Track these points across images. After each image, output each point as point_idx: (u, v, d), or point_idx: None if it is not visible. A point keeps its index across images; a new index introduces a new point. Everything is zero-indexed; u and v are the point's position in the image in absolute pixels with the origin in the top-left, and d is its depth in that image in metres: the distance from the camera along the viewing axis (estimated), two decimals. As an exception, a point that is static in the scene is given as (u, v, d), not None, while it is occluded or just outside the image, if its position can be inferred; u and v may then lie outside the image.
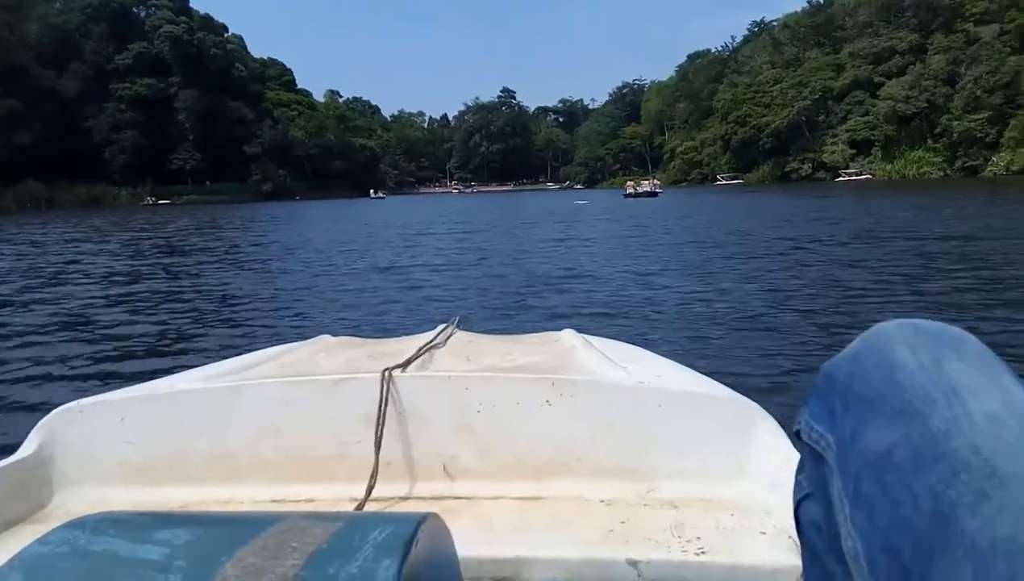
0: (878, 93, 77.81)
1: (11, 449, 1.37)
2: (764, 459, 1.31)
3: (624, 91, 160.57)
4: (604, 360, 1.59)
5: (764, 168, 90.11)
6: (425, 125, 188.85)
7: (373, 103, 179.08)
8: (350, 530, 0.64)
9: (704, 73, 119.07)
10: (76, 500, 1.37)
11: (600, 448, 1.36)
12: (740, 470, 1.33)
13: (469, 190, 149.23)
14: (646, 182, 63.47)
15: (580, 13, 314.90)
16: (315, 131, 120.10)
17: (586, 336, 1.97)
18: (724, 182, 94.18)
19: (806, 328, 6.29)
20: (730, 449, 1.35)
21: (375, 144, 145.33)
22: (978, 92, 64.38)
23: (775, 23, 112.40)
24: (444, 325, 2.03)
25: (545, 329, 2.33)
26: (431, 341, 1.78)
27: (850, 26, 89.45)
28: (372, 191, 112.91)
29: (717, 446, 1.35)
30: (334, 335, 2.14)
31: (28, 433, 1.41)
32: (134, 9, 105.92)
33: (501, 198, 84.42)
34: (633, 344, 2.17)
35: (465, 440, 1.38)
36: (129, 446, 1.40)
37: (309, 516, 0.68)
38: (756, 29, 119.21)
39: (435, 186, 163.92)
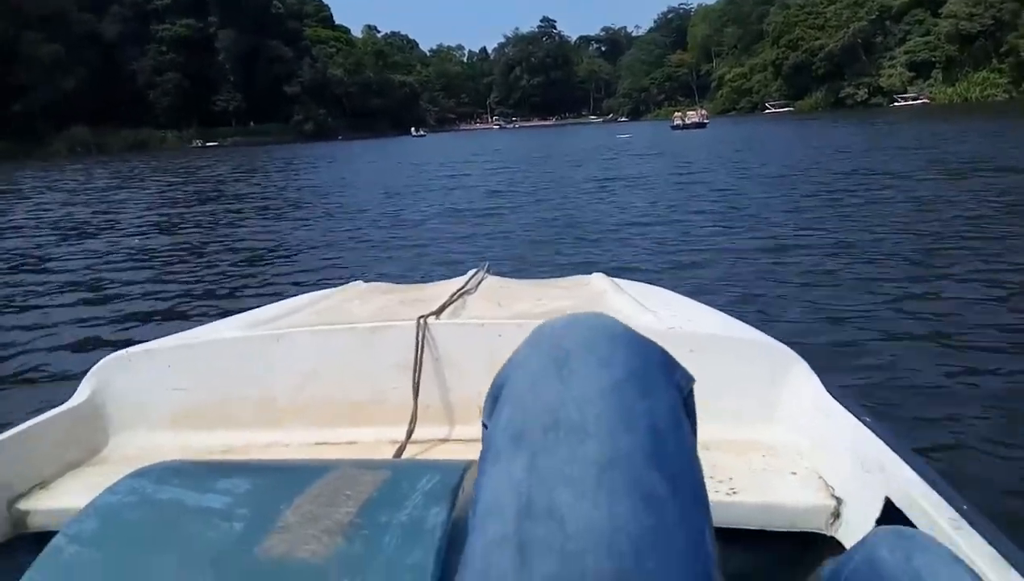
0: (940, 11, 73.29)
1: (64, 397, 1.42)
2: (796, 402, 1.33)
3: (670, 16, 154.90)
4: (634, 304, 1.62)
5: (817, 94, 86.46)
6: (464, 59, 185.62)
7: (411, 37, 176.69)
8: (399, 478, 0.66)
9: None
10: (128, 444, 1.42)
11: None
12: (772, 413, 1.35)
13: (511, 125, 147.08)
14: (693, 113, 61.39)
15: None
16: (354, 68, 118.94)
17: (616, 280, 1.98)
18: (773, 110, 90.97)
19: (868, 280, 5.72)
20: (762, 392, 1.36)
21: (414, 80, 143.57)
22: (1051, 7, 60.31)
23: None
24: (475, 270, 2.05)
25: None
26: (463, 287, 1.81)
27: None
28: (413, 129, 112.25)
29: (749, 389, 1.36)
30: (366, 282, 2.16)
31: (80, 381, 1.46)
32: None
33: (542, 133, 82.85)
34: (662, 287, 2.16)
35: None
36: (176, 393, 1.45)
37: (359, 464, 0.70)
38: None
39: (476, 122, 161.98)
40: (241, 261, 8.37)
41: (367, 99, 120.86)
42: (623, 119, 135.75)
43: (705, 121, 57.02)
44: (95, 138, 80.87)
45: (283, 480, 0.67)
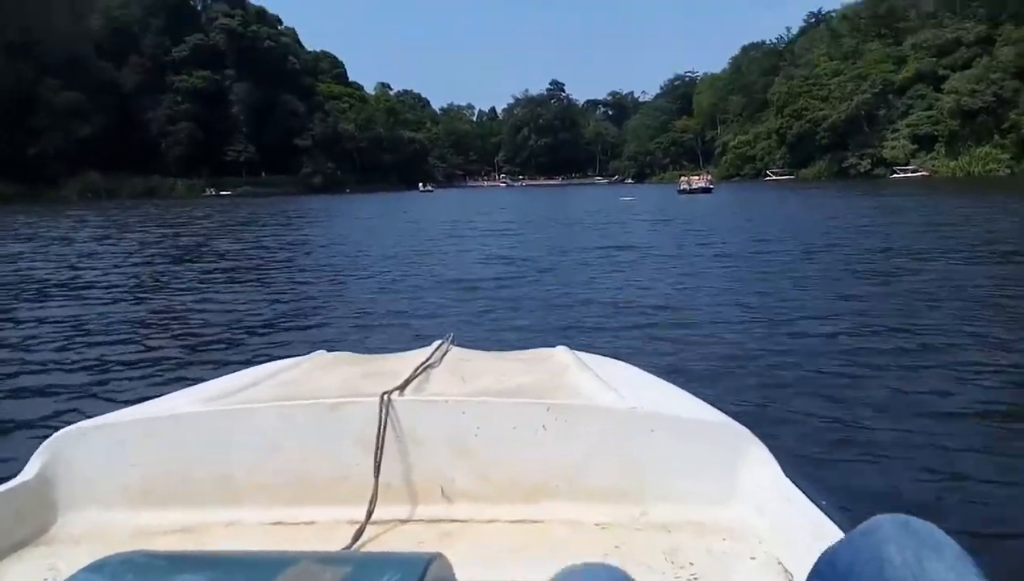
0: (942, 87, 74.76)
1: (13, 473, 1.38)
2: (755, 485, 1.35)
3: (675, 84, 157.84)
4: (597, 381, 1.62)
5: (820, 163, 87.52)
6: (474, 118, 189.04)
7: (423, 96, 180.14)
8: (360, 574, 0.65)
9: (759, 65, 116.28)
10: (79, 523, 1.37)
11: (594, 472, 1.39)
12: (731, 495, 1.36)
13: (517, 184, 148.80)
14: (698, 177, 61.95)
15: (631, 5, 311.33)
16: (365, 124, 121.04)
17: (578, 354, 1.99)
18: (774, 177, 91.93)
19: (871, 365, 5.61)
20: (721, 474, 1.38)
21: (424, 137, 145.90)
22: (1050, 86, 61.42)
23: (833, 14, 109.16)
24: (439, 342, 2.05)
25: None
26: (427, 360, 1.81)
27: (913, 17, 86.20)
28: (421, 184, 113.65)
29: (709, 471, 1.38)
30: (330, 350, 2.13)
31: (30, 455, 1.42)
32: (191, 2, 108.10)
33: (547, 192, 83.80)
34: (624, 362, 2.16)
35: (462, 464, 1.40)
36: (131, 469, 1.41)
37: (320, 558, 0.69)
38: (813, 20, 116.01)
39: (483, 179, 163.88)
40: (209, 326, 7.96)
41: (377, 154, 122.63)
42: (629, 181, 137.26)
43: (711, 186, 57.57)
44: (106, 184, 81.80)
45: (243, 574, 0.65)
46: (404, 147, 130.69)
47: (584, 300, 8.92)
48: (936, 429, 3.97)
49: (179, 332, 7.70)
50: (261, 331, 7.70)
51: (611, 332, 6.93)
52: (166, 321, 8.36)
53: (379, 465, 1.33)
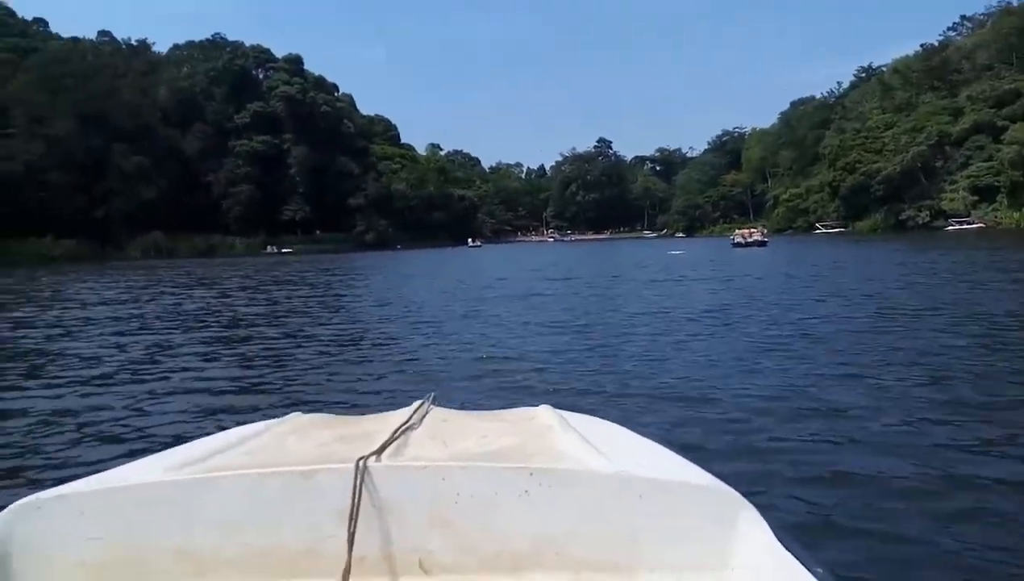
0: (1002, 137, 73.12)
1: None
2: (746, 551, 1.31)
3: (724, 139, 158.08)
4: (582, 443, 1.57)
5: (876, 216, 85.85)
6: (523, 175, 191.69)
7: (473, 155, 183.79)
8: None
9: (809, 119, 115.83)
10: None
11: (580, 540, 1.33)
12: (724, 563, 1.32)
13: (566, 238, 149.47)
14: (754, 231, 61.35)
15: (676, 62, 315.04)
16: (416, 183, 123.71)
17: (563, 413, 1.94)
18: (824, 230, 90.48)
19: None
20: (712, 540, 1.33)
21: (474, 194, 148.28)
22: (1117, 134, 59.56)
23: (884, 68, 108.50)
24: (419, 402, 1.98)
25: None
26: (406, 422, 1.74)
27: (967, 69, 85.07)
28: (470, 240, 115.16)
29: (699, 537, 1.33)
30: (305, 413, 2.04)
31: None
32: (253, 72, 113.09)
33: (596, 247, 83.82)
34: (609, 420, 2.10)
35: (441, 533, 1.34)
36: (90, 543, 1.32)
37: None
38: (863, 75, 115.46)
39: (532, 234, 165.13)
40: (190, 389, 7.68)
41: (428, 211, 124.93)
42: (680, 235, 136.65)
43: (766, 240, 56.96)
44: (168, 243, 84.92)
45: None
46: (454, 204, 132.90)
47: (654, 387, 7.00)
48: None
49: (159, 394, 7.39)
50: (246, 391, 7.44)
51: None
52: (150, 381, 8.08)
53: (353, 536, 1.25)
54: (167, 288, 26.01)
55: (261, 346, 10.83)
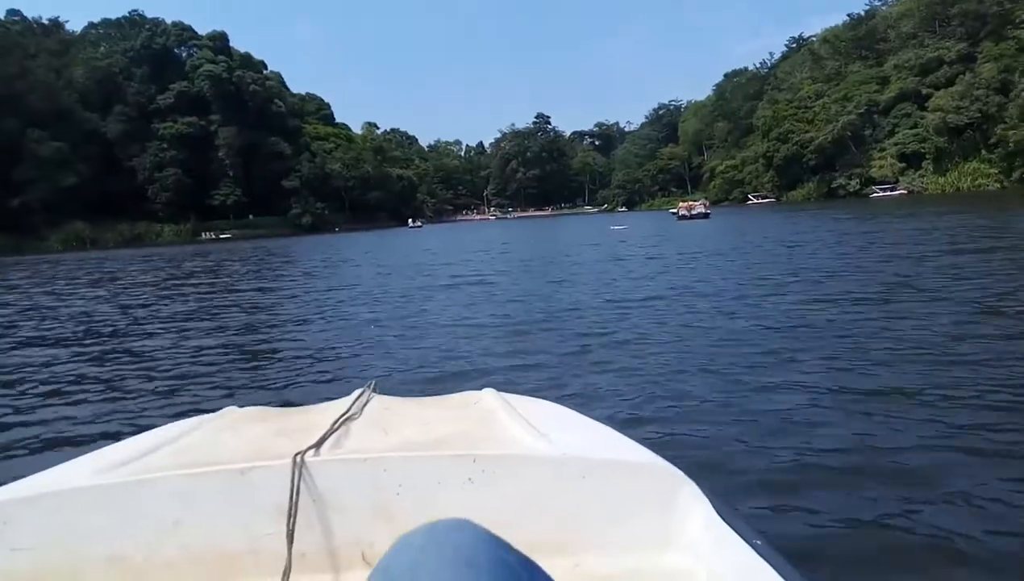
0: (927, 105, 75.09)
1: None
2: (690, 529, 1.33)
3: (660, 113, 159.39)
4: (526, 426, 1.58)
5: (809, 185, 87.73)
6: (462, 153, 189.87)
7: (411, 134, 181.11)
8: None
9: (742, 91, 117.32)
10: None
11: (525, 525, 1.33)
12: (666, 540, 1.34)
13: (507, 216, 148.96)
14: (696, 203, 61.61)
15: (613, 39, 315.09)
16: (353, 163, 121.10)
17: (506, 396, 1.95)
18: (756, 201, 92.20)
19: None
20: (655, 518, 1.35)
21: (413, 174, 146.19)
22: (1034, 100, 61.66)
23: (814, 38, 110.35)
24: (360, 390, 1.94)
25: None
26: (346, 411, 1.72)
27: (893, 38, 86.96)
28: (410, 220, 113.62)
29: (642, 516, 1.35)
30: (240, 407, 1.96)
31: None
32: (175, 50, 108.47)
33: (537, 224, 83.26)
34: (553, 402, 2.09)
35: (384, 525, 1.33)
36: (17, 554, 1.27)
37: None
38: (794, 45, 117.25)
39: (473, 213, 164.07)
40: (121, 381, 7.20)
41: (366, 192, 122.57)
42: (622, 209, 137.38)
43: (708, 212, 57.41)
44: (92, 233, 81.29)
45: None
46: (392, 184, 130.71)
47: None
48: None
49: (81, 389, 6.84)
50: (176, 384, 6.89)
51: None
52: (68, 380, 7.48)
53: (292, 533, 1.24)
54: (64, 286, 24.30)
55: (181, 342, 9.87)
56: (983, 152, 69.11)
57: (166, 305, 15.09)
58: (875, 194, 73.73)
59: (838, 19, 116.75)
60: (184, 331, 10.78)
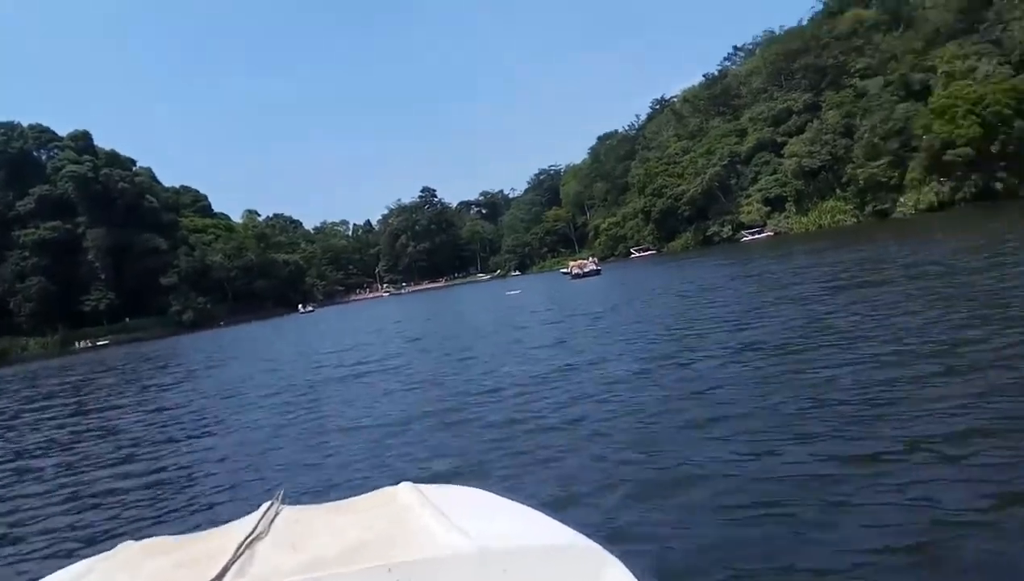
0: (782, 152, 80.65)
1: None
2: None
3: (541, 177, 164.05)
4: (444, 522, 1.54)
5: (686, 235, 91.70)
6: (349, 233, 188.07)
7: (295, 217, 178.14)
8: None
9: (615, 152, 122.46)
10: None
11: None
12: None
13: (402, 291, 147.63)
14: (587, 262, 62.84)
15: (486, 111, 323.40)
16: (234, 253, 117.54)
17: (423, 487, 1.91)
18: (638, 255, 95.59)
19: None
20: None
21: (299, 257, 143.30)
22: (875, 140, 67.00)
23: (675, 99, 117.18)
24: (267, 503, 1.84)
25: None
26: (252, 531, 1.64)
27: (745, 93, 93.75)
28: (300, 306, 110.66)
29: None
30: (137, 540, 1.83)
31: None
32: (34, 153, 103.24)
33: (432, 296, 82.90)
34: (468, 486, 2.09)
35: None
36: None
37: None
38: (658, 106, 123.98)
39: (366, 291, 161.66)
40: None
41: (250, 281, 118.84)
42: (515, 273, 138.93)
43: (599, 268, 58.62)
44: (-52, 353, 74.61)
45: None
46: (279, 270, 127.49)
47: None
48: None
49: None
50: (61, 523, 6.33)
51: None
52: None
53: None
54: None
55: (64, 477, 8.78)
56: (837, 190, 74.39)
57: (25, 435, 13.69)
58: (745, 238, 77.81)
59: (695, 79, 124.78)
60: (59, 464, 9.79)
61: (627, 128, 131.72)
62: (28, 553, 5.64)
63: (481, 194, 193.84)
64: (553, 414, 7.88)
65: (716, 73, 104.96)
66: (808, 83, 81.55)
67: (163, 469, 8.30)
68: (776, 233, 77.54)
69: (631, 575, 1.31)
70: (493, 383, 10.79)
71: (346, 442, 8.09)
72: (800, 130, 79.06)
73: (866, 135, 68.28)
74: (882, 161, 66.49)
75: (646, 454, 5.83)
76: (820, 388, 6.92)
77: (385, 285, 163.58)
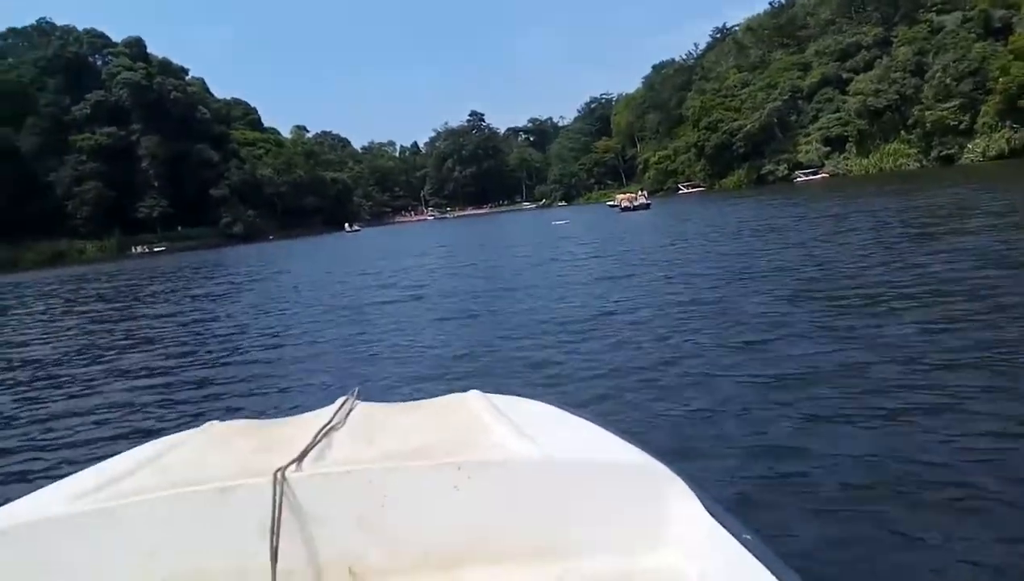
0: (847, 89, 77.35)
1: None
2: (678, 527, 1.32)
3: (592, 106, 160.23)
4: (512, 429, 1.56)
5: (740, 172, 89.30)
6: (397, 154, 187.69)
7: (343, 136, 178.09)
8: None
9: (671, 82, 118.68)
10: None
11: (513, 530, 1.32)
12: (655, 540, 1.33)
13: (446, 216, 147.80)
14: (636, 195, 61.75)
15: (541, 34, 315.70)
16: (284, 168, 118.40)
17: (492, 397, 1.95)
18: (686, 191, 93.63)
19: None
20: (644, 518, 1.34)
21: (347, 177, 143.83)
22: (947, 81, 63.85)
23: (737, 28, 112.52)
24: (343, 398, 1.91)
25: None
26: (329, 422, 1.69)
27: (813, 25, 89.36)
28: (347, 225, 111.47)
29: (631, 516, 1.34)
30: (222, 421, 1.92)
31: None
32: (90, 58, 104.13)
33: (478, 222, 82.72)
34: (540, 401, 2.07)
35: (370, 537, 1.31)
36: None
37: None
38: (719, 36, 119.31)
39: (411, 214, 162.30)
40: (89, 403, 6.98)
41: (299, 197, 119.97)
42: (561, 203, 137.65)
43: (649, 202, 57.83)
44: (8, 253, 77.28)
45: None
46: (326, 188, 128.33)
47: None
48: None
49: (49, 413, 6.70)
50: (150, 404, 6.76)
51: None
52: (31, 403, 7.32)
53: (276, 551, 1.20)
54: None
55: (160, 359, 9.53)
56: (902, 133, 71.42)
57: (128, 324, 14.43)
58: (800, 179, 75.46)
59: (760, 7, 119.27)
60: (151, 350, 10.49)
61: (685, 57, 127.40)
62: (122, 427, 6.00)
63: (529, 121, 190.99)
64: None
65: (783, 2, 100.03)
66: (880, 16, 77.48)
67: (254, 362, 8.75)
68: (831, 175, 75.05)
69: (695, 497, 1.32)
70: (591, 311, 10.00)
71: (419, 346, 8.35)
72: (868, 66, 75.52)
73: (938, 75, 65.03)
74: (953, 103, 63.45)
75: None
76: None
77: (430, 209, 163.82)
